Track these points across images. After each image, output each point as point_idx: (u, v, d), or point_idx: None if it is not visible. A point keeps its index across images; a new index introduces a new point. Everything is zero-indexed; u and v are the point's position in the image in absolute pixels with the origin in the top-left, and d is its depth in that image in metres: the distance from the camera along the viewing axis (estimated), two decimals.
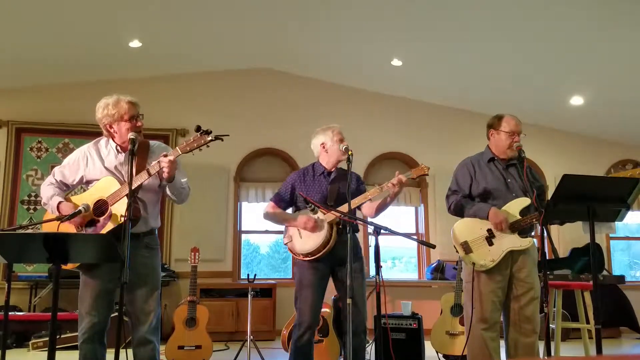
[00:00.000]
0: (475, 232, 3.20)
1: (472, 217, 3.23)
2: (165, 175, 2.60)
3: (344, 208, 3.10)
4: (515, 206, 3.17)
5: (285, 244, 3.43)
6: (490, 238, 3.15)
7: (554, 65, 6.08)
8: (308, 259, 3.29)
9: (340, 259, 3.27)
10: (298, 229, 3.34)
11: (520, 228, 3.13)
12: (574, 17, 5.08)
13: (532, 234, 3.24)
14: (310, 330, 3.27)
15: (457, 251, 3.27)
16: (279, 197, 3.50)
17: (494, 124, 3.32)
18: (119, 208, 2.63)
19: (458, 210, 3.29)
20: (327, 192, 3.39)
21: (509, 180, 3.25)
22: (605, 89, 6.61)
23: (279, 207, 3.48)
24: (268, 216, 3.49)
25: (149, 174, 2.64)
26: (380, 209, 3.40)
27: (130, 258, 2.52)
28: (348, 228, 2.91)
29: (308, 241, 3.29)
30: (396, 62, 6.43)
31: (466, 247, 3.21)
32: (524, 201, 3.16)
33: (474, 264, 3.15)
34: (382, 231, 2.79)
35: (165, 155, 2.62)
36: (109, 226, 2.65)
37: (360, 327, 3.25)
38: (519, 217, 3.13)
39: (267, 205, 3.54)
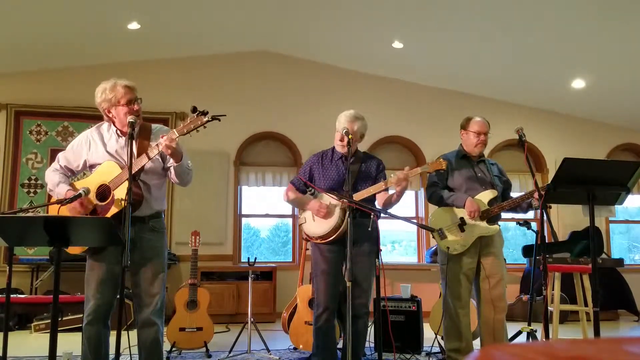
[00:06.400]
0: (449, 220, 3.55)
1: (450, 206, 3.57)
2: (167, 152, 2.58)
3: (360, 194, 3.22)
4: (484, 197, 3.54)
5: (300, 225, 3.51)
6: (462, 225, 3.50)
7: (556, 48, 6.03)
8: (320, 241, 3.36)
9: (354, 241, 3.30)
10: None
11: (489, 216, 3.49)
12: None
13: (499, 222, 3.59)
14: (327, 311, 3.33)
15: (433, 237, 3.64)
16: (298, 180, 3.53)
17: (464, 124, 3.70)
18: (121, 192, 2.62)
19: (437, 200, 3.61)
20: (343, 176, 3.37)
21: (479, 174, 3.63)
22: (607, 73, 6.56)
23: (298, 190, 3.51)
24: (286, 199, 3.56)
25: (149, 158, 2.64)
26: (386, 206, 3.38)
27: (136, 241, 2.51)
28: (347, 212, 2.92)
29: (320, 225, 3.34)
30: (397, 45, 6.37)
31: (441, 234, 3.55)
32: (492, 193, 3.57)
33: (448, 248, 3.49)
34: (382, 215, 2.81)
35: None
36: (113, 210, 2.65)
37: (362, 310, 3.29)
38: (487, 207, 3.50)
39: (286, 188, 3.59)
